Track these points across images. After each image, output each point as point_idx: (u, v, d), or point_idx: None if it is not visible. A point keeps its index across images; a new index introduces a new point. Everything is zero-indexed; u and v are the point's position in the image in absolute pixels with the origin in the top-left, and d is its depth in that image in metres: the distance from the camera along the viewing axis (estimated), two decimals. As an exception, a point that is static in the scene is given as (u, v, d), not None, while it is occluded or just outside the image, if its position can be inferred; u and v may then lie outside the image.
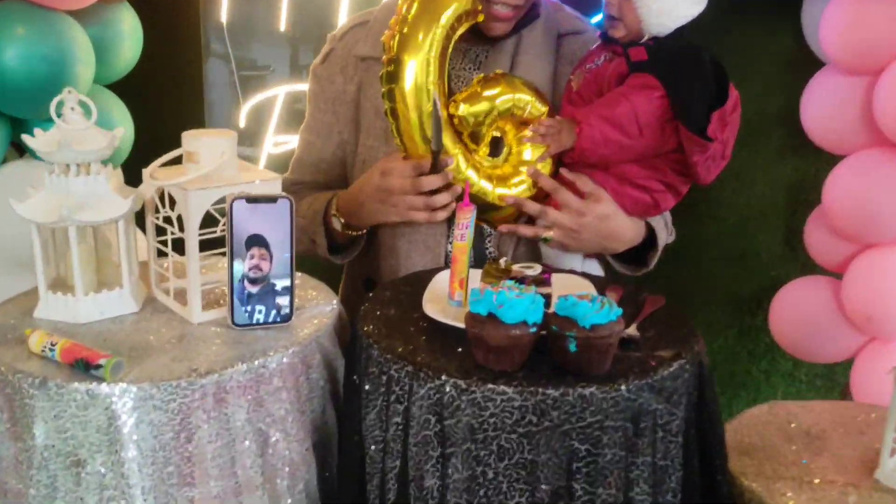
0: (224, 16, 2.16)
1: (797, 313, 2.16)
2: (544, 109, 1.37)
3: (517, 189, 1.38)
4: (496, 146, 1.41)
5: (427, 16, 1.28)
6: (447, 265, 1.44)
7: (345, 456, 1.13)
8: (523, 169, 1.37)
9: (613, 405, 0.98)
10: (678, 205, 1.50)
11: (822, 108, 2.01)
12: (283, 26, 2.17)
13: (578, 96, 1.42)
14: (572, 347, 0.97)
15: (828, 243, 2.10)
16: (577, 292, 1.02)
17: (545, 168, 1.38)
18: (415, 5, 1.29)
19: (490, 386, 0.97)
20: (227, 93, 2.23)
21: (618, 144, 1.32)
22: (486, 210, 1.38)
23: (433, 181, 1.31)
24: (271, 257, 1.12)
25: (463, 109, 1.32)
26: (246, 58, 2.20)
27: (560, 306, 1.00)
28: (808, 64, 2.10)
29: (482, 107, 1.33)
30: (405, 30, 1.28)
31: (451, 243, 1.45)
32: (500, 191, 1.37)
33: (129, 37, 2.00)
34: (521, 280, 1.11)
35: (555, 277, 1.17)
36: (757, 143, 2.40)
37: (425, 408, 1.00)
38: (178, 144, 1.16)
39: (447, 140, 1.31)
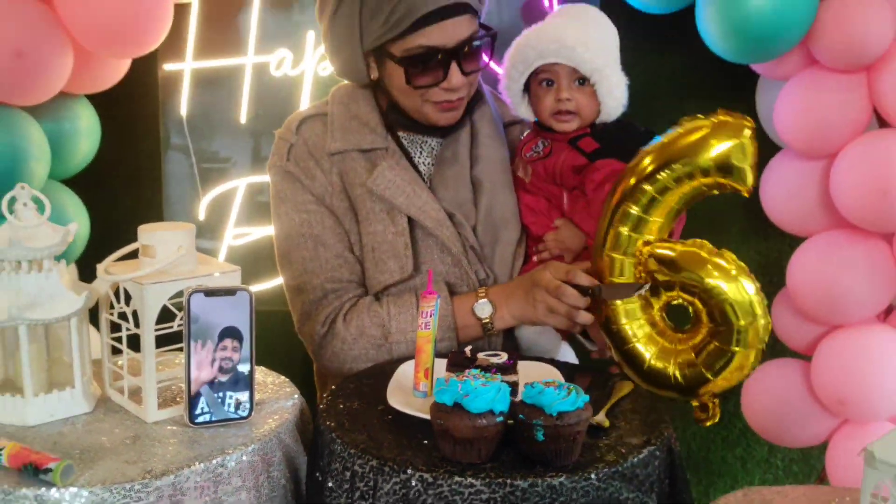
0: (184, 109, 2.20)
1: (768, 397, 2.17)
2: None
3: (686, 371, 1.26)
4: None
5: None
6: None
7: (308, 559, 1.10)
8: None
9: (583, 495, 0.98)
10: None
11: (781, 191, 2.08)
12: (243, 119, 2.21)
13: (534, 187, 1.49)
14: (539, 436, 0.98)
15: (795, 325, 2.13)
16: (543, 379, 1.03)
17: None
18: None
19: (457, 479, 0.97)
20: (186, 185, 2.25)
21: None
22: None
23: (576, 299, 1.29)
24: (233, 349, 1.12)
25: (651, 254, 1.25)
26: (206, 150, 2.23)
27: (526, 394, 1.01)
28: (765, 147, 2.19)
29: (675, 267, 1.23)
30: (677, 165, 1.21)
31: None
32: (657, 364, 1.26)
33: (86, 132, 2.03)
34: (487, 368, 1.12)
35: (521, 365, 1.18)
36: (721, 226, 2.46)
37: (391, 502, 0.99)
38: (135, 239, 1.17)
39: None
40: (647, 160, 1.24)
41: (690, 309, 1.27)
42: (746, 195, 1.23)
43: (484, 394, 0.98)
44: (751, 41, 1.82)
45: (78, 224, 1.92)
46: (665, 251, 1.26)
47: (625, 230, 1.26)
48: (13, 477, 0.97)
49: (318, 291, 1.43)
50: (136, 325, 1.13)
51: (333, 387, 1.24)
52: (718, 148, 1.19)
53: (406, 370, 1.24)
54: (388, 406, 1.14)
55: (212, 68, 2.19)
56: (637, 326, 1.29)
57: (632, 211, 1.25)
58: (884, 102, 1.88)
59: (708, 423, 1.29)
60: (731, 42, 1.85)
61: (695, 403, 1.29)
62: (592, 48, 1.39)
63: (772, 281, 2.35)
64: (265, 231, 2.23)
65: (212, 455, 1.03)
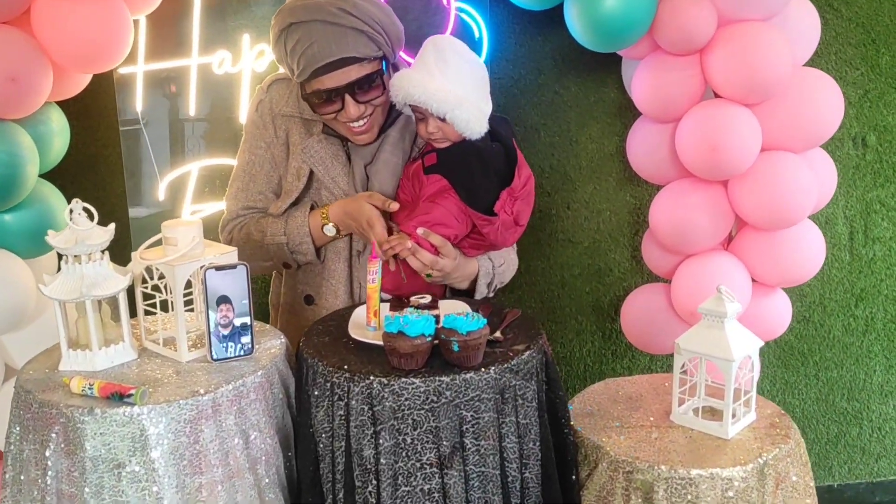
0: (139, 106, 2.65)
1: (640, 315, 2.81)
2: None
3: None
4: None
5: None
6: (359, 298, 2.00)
7: (301, 445, 1.66)
8: None
9: (486, 384, 1.56)
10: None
11: (641, 149, 2.68)
12: (192, 112, 2.68)
13: (403, 181, 2.03)
14: (455, 348, 1.55)
15: (658, 256, 2.77)
16: (456, 311, 1.60)
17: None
18: None
19: (404, 380, 1.53)
20: (146, 172, 2.71)
21: (452, 234, 1.91)
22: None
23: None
24: (234, 308, 1.65)
25: None
26: (161, 140, 2.69)
27: (445, 322, 1.58)
28: (632, 111, 2.78)
29: None
30: None
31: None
32: None
33: (58, 133, 2.45)
34: (418, 307, 1.68)
35: (441, 303, 1.74)
36: (599, 177, 3.07)
37: (360, 400, 1.56)
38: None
39: None
40: None
41: None
42: None
43: (417, 323, 1.54)
44: (604, 36, 2.38)
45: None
46: None
47: None
48: (104, 403, 1.49)
49: (233, 214, 2.11)
50: (156, 293, 1.65)
51: (307, 330, 1.78)
52: None
53: (358, 313, 1.79)
54: (349, 338, 1.69)
55: (162, 70, 2.64)
56: None
57: None
58: (713, 78, 2.48)
59: None
60: (590, 37, 2.41)
61: None
62: (445, 97, 1.81)
63: (645, 221, 2.97)
64: (216, 206, 2.72)
65: (235, 379, 1.57)
